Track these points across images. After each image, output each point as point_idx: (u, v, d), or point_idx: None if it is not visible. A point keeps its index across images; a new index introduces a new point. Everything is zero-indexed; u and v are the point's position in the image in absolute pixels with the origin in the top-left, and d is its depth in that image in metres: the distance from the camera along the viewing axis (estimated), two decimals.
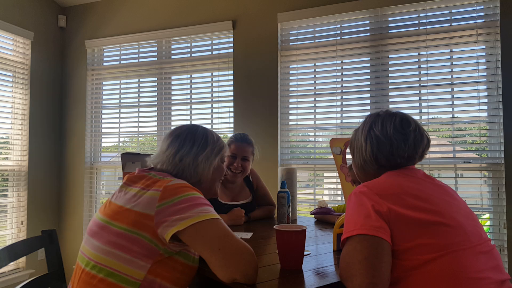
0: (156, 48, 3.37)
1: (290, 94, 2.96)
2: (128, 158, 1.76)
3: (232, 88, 3.08)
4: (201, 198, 1.05)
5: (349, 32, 2.81)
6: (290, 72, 2.97)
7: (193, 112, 3.24)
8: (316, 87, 2.90)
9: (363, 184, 1.03)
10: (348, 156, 1.43)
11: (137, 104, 3.42)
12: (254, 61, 3.00)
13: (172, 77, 3.33)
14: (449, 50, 2.59)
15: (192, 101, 3.24)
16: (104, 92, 3.59)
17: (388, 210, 0.94)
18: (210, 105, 3.18)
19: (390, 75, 2.71)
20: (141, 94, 3.42)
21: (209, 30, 3.13)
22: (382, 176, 1.09)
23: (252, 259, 0.97)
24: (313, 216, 2.09)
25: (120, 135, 3.50)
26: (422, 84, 2.62)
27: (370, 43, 2.74)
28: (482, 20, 2.49)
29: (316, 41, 2.88)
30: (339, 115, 2.82)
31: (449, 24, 2.56)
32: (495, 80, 2.45)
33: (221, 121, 3.13)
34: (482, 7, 2.50)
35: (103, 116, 3.56)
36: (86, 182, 3.52)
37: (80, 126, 3.56)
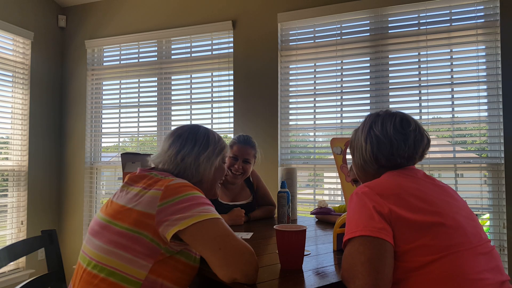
0: (156, 48, 3.37)
1: (290, 94, 2.96)
2: (128, 158, 1.76)
3: (232, 88, 3.09)
4: (203, 198, 1.05)
5: (349, 32, 2.81)
6: (290, 72, 2.97)
7: (193, 112, 3.24)
8: (316, 87, 2.90)
9: (364, 184, 1.03)
10: (348, 156, 1.43)
11: (137, 104, 3.42)
12: (254, 61, 3.00)
13: (172, 77, 3.33)
14: (449, 50, 2.59)
15: (192, 101, 3.24)
16: (104, 92, 3.59)
17: (389, 211, 0.94)
18: (210, 105, 3.18)
19: (390, 75, 2.71)
20: (141, 94, 3.42)
21: (209, 30, 3.13)
22: (383, 176, 1.09)
23: (252, 259, 0.97)
24: (313, 216, 2.09)
25: (120, 135, 3.50)
26: (422, 84, 2.62)
27: (370, 43, 2.74)
28: (482, 20, 2.49)
29: (316, 41, 2.88)
30: (339, 115, 2.83)
31: (449, 24, 2.56)
32: (495, 80, 2.46)
33: (221, 121, 3.13)
34: (482, 7, 2.50)
35: (103, 116, 3.56)
36: (86, 182, 3.52)
37: (80, 126, 3.56)
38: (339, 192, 2.93)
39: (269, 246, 1.39)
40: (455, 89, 2.56)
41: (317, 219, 2.04)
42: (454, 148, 2.57)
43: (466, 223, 0.97)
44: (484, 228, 2.13)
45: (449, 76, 2.57)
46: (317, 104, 2.88)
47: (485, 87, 2.49)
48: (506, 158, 2.39)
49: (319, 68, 2.91)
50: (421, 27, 2.62)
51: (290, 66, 2.96)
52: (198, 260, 1.13)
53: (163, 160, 1.19)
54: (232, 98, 3.08)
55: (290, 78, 2.97)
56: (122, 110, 3.47)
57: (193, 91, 3.25)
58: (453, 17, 2.56)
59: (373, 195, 0.97)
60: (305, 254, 1.24)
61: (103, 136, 3.57)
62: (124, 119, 3.47)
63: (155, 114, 3.35)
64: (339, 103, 2.82)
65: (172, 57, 3.33)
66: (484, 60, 2.50)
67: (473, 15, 2.52)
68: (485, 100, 2.49)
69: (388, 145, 1.10)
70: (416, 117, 2.57)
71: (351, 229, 0.95)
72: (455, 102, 2.56)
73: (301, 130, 3.01)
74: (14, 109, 3.24)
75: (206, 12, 3.16)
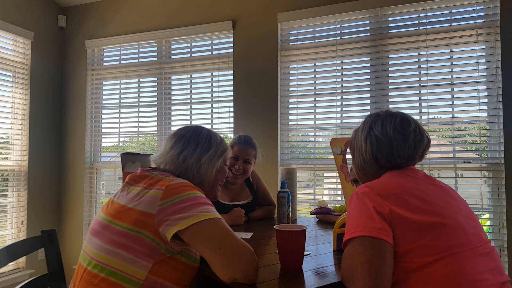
0: (156, 48, 3.37)
1: (290, 94, 2.96)
2: (128, 158, 1.76)
3: (232, 88, 3.09)
4: (203, 198, 1.05)
5: (349, 32, 2.81)
6: (290, 72, 2.97)
7: (193, 112, 3.24)
8: (316, 87, 2.90)
9: (365, 184, 1.03)
10: (348, 156, 1.43)
11: (137, 104, 3.42)
12: (254, 61, 3.00)
13: (172, 77, 3.33)
14: (449, 50, 2.59)
15: (192, 101, 3.24)
16: (104, 92, 3.59)
17: (390, 212, 0.93)
18: (210, 105, 3.18)
19: (390, 75, 2.71)
20: (141, 94, 3.42)
21: (209, 30, 3.13)
22: (383, 176, 1.09)
23: (252, 259, 0.97)
24: (313, 216, 2.09)
25: (120, 135, 3.50)
26: (422, 84, 2.62)
27: (370, 43, 2.74)
28: (482, 20, 2.49)
29: (316, 41, 2.88)
30: (339, 115, 2.83)
31: (449, 24, 2.56)
32: (495, 80, 2.46)
33: (221, 121, 3.13)
34: (482, 7, 2.50)
35: (103, 116, 3.56)
36: (86, 182, 3.52)
37: (80, 126, 3.56)
38: (339, 192, 2.93)
39: (269, 246, 1.39)
40: (455, 89, 2.56)
41: (317, 219, 2.04)
42: (454, 148, 2.57)
43: (466, 223, 0.97)
44: (484, 228, 2.13)
45: (449, 76, 2.57)
46: (317, 104, 2.88)
47: (485, 87, 2.49)
48: (506, 158, 2.39)
49: (319, 68, 2.91)
50: (421, 27, 2.62)
51: (290, 66, 2.96)
52: (198, 261, 1.13)
53: (165, 161, 1.19)
54: (232, 98, 3.08)
55: (290, 78, 2.97)
56: (122, 110, 3.47)
57: (193, 91, 3.25)
58: (453, 17, 2.56)
59: (373, 195, 0.97)
60: (305, 254, 1.24)
61: (103, 136, 3.57)
62: (124, 119, 3.47)
63: (155, 114, 3.35)
64: (339, 103, 2.82)
65: (172, 57, 3.33)
66: (484, 60, 2.50)
67: (473, 15, 2.52)
68: (485, 100, 2.49)
69: (388, 145, 1.10)
70: (416, 117, 2.57)
71: (351, 229, 0.95)
72: (455, 102, 2.56)
73: (301, 130, 3.01)
74: (14, 109, 3.24)
75: (206, 12, 3.16)
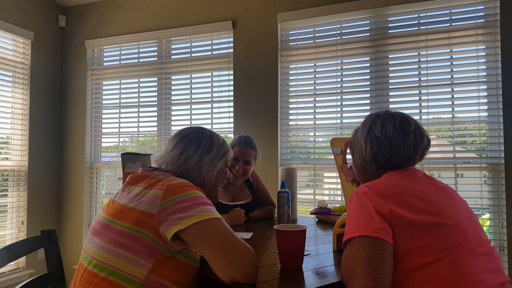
0: (156, 48, 3.37)
1: (290, 94, 2.96)
2: (128, 158, 1.76)
3: (232, 88, 3.09)
4: (203, 198, 1.06)
5: (349, 32, 2.81)
6: (290, 72, 2.97)
7: (193, 112, 3.23)
8: (316, 87, 2.90)
9: (365, 184, 1.03)
10: (348, 156, 1.43)
11: (137, 104, 3.42)
12: (254, 61, 3.00)
13: (172, 77, 3.33)
14: (449, 50, 2.59)
15: (192, 101, 3.24)
16: (104, 92, 3.59)
17: (390, 212, 0.93)
18: (210, 105, 3.18)
19: (390, 75, 2.71)
20: (141, 94, 3.42)
21: (209, 30, 3.13)
22: (383, 176, 1.09)
23: (252, 259, 0.97)
24: (313, 216, 2.09)
25: (120, 135, 3.50)
26: (422, 84, 2.62)
27: (370, 43, 2.74)
28: (482, 20, 2.49)
29: (316, 41, 2.88)
30: (339, 115, 2.83)
31: (449, 24, 2.56)
32: (495, 80, 2.46)
33: (221, 121, 3.13)
34: (482, 7, 2.50)
35: (103, 116, 3.56)
36: (86, 182, 3.52)
37: (80, 126, 3.56)
38: (339, 192, 2.93)
39: (269, 246, 1.39)
40: (455, 89, 2.56)
41: (317, 219, 2.04)
42: (454, 148, 2.57)
43: (466, 223, 0.97)
44: (484, 228, 2.13)
45: (449, 76, 2.57)
46: (317, 104, 2.88)
47: (485, 87, 2.49)
48: (506, 158, 2.39)
49: (319, 68, 2.91)
50: (421, 27, 2.62)
51: (290, 66, 2.96)
52: (199, 261, 1.13)
53: (166, 161, 1.19)
54: (232, 98, 3.08)
55: (290, 78, 2.97)
56: (122, 110, 3.47)
57: (193, 91, 3.25)
58: (453, 17, 2.56)
59: (373, 195, 0.97)
60: (305, 254, 1.24)
61: (103, 136, 3.57)
62: (124, 119, 3.47)
63: (155, 114, 3.35)
64: (339, 103, 2.82)
65: (172, 57, 3.33)
66: (484, 60, 2.50)
67: (473, 15, 2.52)
68: (485, 100, 2.49)
69: (388, 145, 1.10)
70: (416, 117, 2.57)
71: (351, 229, 0.95)
72: (455, 102, 2.56)
73: (301, 130, 3.01)
74: (14, 109, 3.24)
75: (206, 12, 3.16)
